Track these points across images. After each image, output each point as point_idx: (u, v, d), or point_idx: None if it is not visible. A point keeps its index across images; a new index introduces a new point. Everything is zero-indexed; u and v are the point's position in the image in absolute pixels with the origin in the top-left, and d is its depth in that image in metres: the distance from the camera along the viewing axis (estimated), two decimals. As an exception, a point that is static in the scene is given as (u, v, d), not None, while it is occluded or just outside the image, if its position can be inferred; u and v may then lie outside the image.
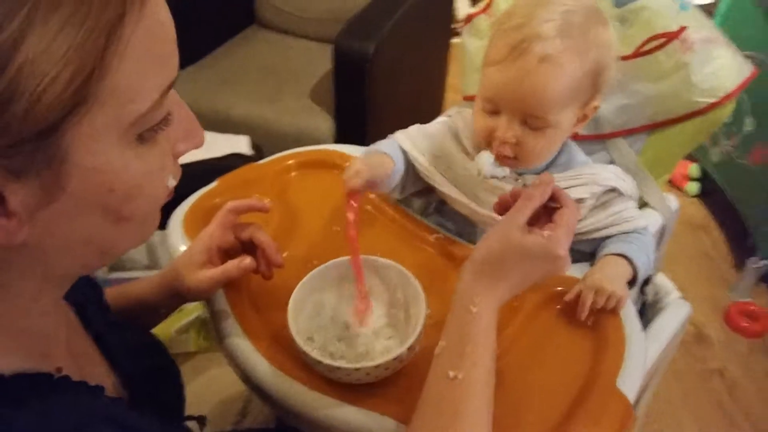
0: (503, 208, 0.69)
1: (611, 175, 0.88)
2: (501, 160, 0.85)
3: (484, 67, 0.85)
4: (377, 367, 0.68)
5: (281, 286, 0.78)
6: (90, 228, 0.42)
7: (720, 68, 0.92)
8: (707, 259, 1.95)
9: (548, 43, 0.77)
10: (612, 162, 1.00)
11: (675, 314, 1.02)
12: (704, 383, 1.62)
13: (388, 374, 0.71)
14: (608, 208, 0.87)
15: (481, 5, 1.11)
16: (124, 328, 0.69)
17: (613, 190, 0.87)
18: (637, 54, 0.96)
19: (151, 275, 0.81)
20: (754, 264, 1.78)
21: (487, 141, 0.86)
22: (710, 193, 2.10)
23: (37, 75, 0.33)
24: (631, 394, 0.71)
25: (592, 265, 0.86)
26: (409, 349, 0.69)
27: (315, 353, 0.69)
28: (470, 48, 1.14)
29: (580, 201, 0.85)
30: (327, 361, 0.68)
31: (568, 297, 0.79)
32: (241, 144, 1.41)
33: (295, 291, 0.74)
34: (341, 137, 1.82)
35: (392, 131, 0.97)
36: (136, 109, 0.39)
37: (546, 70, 0.77)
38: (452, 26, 2.27)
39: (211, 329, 0.91)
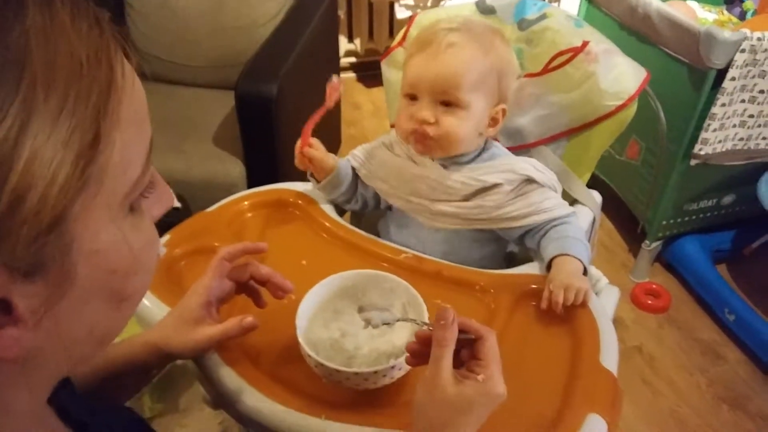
0: (416, 355, 0.66)
1: (528, 166, 0.97)
2: (420, 143, 0.95)
3: (404, 65, 0.98)
4: (376, 373, 0.72)
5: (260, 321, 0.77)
6: (94, 317, 0.38)
7: (621, 74, 1.04)
8: (605, 250, 2.13)
9: (452, 34, 0.91)
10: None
11: (609, 297, 1.12)
12: (627, 361, 1.77)
13: (385, 382, 0.74)
14: (527, 198, 0.96)
15: (398, 39, 1.18)
16: (105, 411, 0.64)
17: (531, 180, 0.96)
18: (548, 70, 1.07)
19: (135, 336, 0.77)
20: (647, 247, 1.98)
21: (407, 125, 0.94)
22: (598, 189, 2.29)
23: (45, 164, 0.30)
24: (613, 369, 0.79)
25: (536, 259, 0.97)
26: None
27: (318, 356, 0.73)
28: (390, 78, 1.21)
29: (496, 186, 0.95)
30: (328, 363, 0.72)
31: (544, 304, 0.85)
32: (168, 198, 1.37)
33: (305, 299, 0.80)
34: (253, 180, 1.81)
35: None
36: (129, 178, 0.37)
37: (452, 52, 0.91)
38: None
39: (168, 389, 0.88)
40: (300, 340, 0.75)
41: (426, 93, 0.92)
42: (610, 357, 0.80)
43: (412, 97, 0.94)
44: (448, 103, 0.91)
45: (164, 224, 1.05)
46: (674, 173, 1.82)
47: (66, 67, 0.32)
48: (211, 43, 2.09)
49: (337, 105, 2.36)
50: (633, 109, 1.05)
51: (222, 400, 0.78)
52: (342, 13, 2.65)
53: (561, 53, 1.05)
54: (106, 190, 0.35)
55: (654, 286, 1.97)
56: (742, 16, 2.10)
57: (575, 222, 0.96)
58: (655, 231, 1.95)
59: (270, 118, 1.71)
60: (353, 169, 1.06)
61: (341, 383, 0.75)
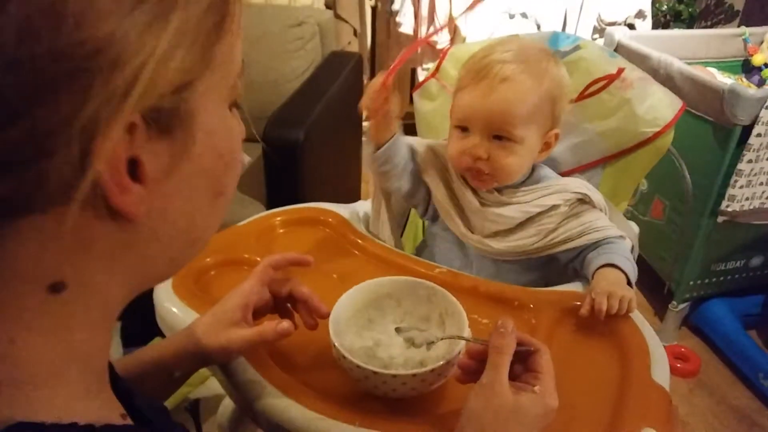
0: (466, 372, 0.65)
1: (582, 185, 0.96)
2: (476, 178, 0.93)
3: (455, 94, 0.95)
4: (414, 376, 0.68)
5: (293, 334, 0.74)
6: (195, 204, 0.40)
7: (657, 101, 1.04)
8: (630, 312, 2.07)
9: (506, 66, 0.88)
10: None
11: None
12: (658, 426, 1.67)
13: (422, 389, 0.70)
14: (580, 218, 0.94)
15: (430, 70, 1.19)
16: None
17: (584, 200, 0.94)
18: (583, 96, 1.07)
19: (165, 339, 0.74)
20: (675, 309, 1.92)
21: (461, 161, 0.93)
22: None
23: (188, 34, 0.34)
24: (665, 385, 0.73)
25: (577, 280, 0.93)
26: (448, 363, 0.69)
27: (353, 359, 0.68)
28: (422, 110, 1.21)
29: (554, 208, 0.93)
30: (366, 365, 0.68)
31: (584, 309, 0.82)
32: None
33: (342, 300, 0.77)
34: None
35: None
36: (235, 70, 0.40)
37: (507, 87, 0.88)
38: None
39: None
40: (334, 341, 0.71)
41: (478, 127, 0.91)
42: (661, 372, 0.75)
43: (464, 129, 0.93)
44: (501, 137, 0.90)
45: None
46: (701, 231, 1.79)
47: None
48: (239, 96, 2.14)
49: (358, 165, 2.38)
50: (670, 137, 1.04)
51: (249, 407, 0.73)
52: (366, 78, 2.72)
53: (596, 81, 1.05)
54: (222, 73, 0.38)
55: (683, 350, 1.89)
56: (760, 84, 2.13)
57: (624, 245, 0.94)
58: (682, 292, 1.90)
59: (295, 163, 1.72)
60: (411, 150, 1.01)
61: (377, 388, 0.70)
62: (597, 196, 0.96)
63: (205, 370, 0.81)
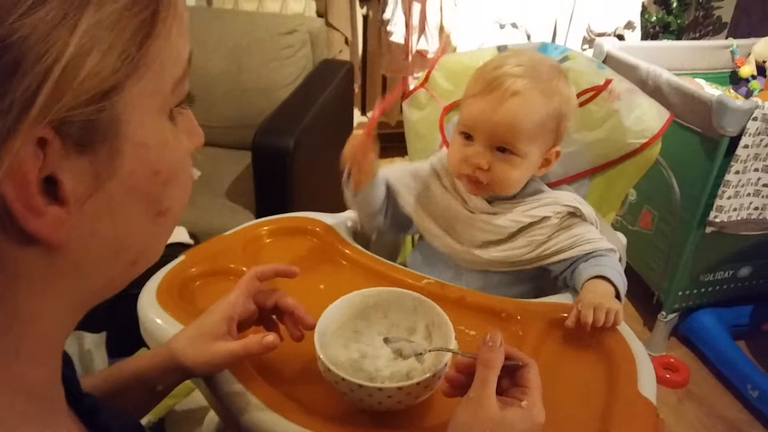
0: (454, 385, 0.64)
1: (573, 199, 0.96)
2: (473, 184, 0.93)
3: (463, 101, 0.95)
4: (400, 389, 0.67)
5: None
6: (130, 224, 0.37)
7: (644, 113, 1.04)
8: (619, 322, 2.07)
9: (518, 80, 0.87)
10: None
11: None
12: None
13: (409, 402, 0.69)
14: (571, 230, 0.94)
15: (420, 79, 1.19)
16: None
17: (575, 213, 0.94)
18: (573, 107, 1.07)
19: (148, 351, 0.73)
20: (664, 319, 1.92)
21: (460, 168, 0.92)
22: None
23: (104, 33, 0.31)
24: (652, 398, 0.73)
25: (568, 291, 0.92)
26: (435, 375, 0.68)
27: (339, 371, 0.68)
28: (411, 119, 1.21)
29: (544, 219, 0.93)
30: (351, 378, 0.67)
31: (570, 321, 0.81)
32: (180, 234, 1.36)
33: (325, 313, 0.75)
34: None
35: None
36: (174, 75, 0.36)
37: (516, 102, 0.87)
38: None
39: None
40: (319, 353, 0.70)
41: (483, 137, 0.90)
42: (648, 385, 0.74)
43: (467, 137, 0.92)
44: (504, 149, 0.90)
45: (175, 256, 1.03)
46: (689, 241, 1.80)
47: None
48: (230, 104, 2.13)
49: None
50: (657, 148, 1.04)
51: (234, 421, 0.72)
52: (357, 87, 2.72)
53: (584, 92, 1.06)
54: (154, 78, 0.34)
55: (671, 360, 1.89)
56: (748, 95, 2.15)
57: (615, 257, 0.94)
58: (671, 302, 1.90)
59: (285, 171, 1.72)
60: (387, 185, 1.01)
61: (363, 401, 0.69)
62: (587, 210, 0.96)
63: (189, 382, 0.80)
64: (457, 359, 0.65)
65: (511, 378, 0.62)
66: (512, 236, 0.95)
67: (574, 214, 0.95)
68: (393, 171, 1.02)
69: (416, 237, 1.12)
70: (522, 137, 0.88)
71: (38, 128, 0.29)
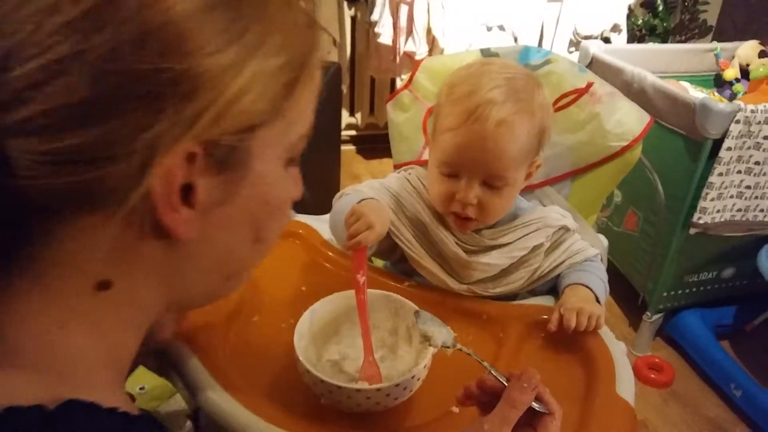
0: (468, 397, 0.63)
1: (558, 215, 0.95)
2: (461, 222, 0.88)
3: (439, 134, 0.87)
4: (379, 391, 0.68)
5: (259, 345, 0.77)
6: (236, 242, 0.43)
7: (625, 116, 1.05)
8: (605, 323, 2.08)
9: (502, 107, 0.80)
10: (545, 208, 1.08)
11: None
12: (631, 437, 1.68)
13: (387, 404, 0.70)
14: (561, 246, 0.94)
15: (404, 82, 1.20)
16: None
17: (563, 228, 0.94)
18: (553, 110, 1.07)
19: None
20: (648, 319, 1.94)
21: (446, 205, 0.87)
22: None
23: (262, 79, 0.38)
24: (630, 399, 0.74)
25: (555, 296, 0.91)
26: (413, 377, 0.68)
27: (317, 373, 0.68)
28: (395, 120, 1.21)
29: (538, 247, 0.91)
30: (329, 380, 0.67)
31: (553, 324, 0.82)
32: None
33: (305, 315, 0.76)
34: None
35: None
36: (299, 131, 0.43)
37: (503, 132, 0.81)
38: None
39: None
40: (298, 355, 0.70)
41: (469, 172, 0.84)
42: (626, 387, 0.75)
43: (451, 174, 0.86)
44: (495, 182, 0.84)
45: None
46: (674, 243, 1.81)
47: (287, 22, 0.40)
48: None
49: (336, 174, 2.38)
50: (638, 151, 1.05)
51: (213, 425, 0.72)
52: (345, 88, 2.72)
53: (565, 95, 1.06)
54: (285, 127, 0.41)
55: (656, 360, 1.91)
56: (731, 98, 2.17)
57: (600, 264, 0.95)
58: (656, 302, 1.92)
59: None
60: None
61: (341, 403, 0.70)
62: (570, 220, 0.95)
63: (171, 385, 0.80)
64: (484, 379, 0.62)
65: (530, 416, 0.59)
66: (508, 270, 0.92)
67: (564, 229, 0.94)
68: (377, 195, 0.91)
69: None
70: (511, 166, 0.84)
71: (194, 144, 0.36)
